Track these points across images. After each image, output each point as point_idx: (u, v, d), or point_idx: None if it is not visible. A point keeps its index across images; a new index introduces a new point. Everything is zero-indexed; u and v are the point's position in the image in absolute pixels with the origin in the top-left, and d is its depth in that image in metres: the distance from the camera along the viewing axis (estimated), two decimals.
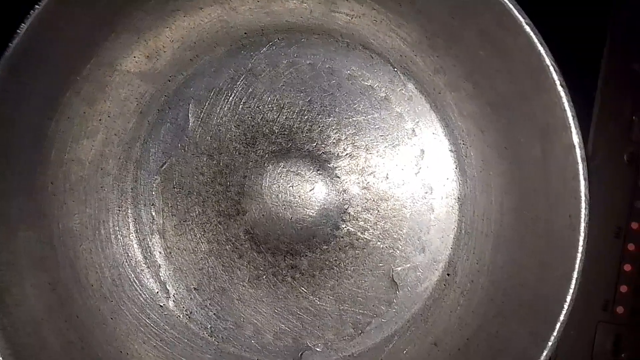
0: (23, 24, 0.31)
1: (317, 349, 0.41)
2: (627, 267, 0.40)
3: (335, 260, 0.41)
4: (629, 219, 0.40)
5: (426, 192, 0.40)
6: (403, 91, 0.40)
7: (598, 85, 0.39)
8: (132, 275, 0.41)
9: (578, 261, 0.29)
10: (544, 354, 0.30)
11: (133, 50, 0.38)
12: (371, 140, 0.41)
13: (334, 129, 0.41)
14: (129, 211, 0.42)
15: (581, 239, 0.29)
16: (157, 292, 0.42)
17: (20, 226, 0.35)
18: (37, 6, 0.31)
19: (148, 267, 0.42)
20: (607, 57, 0.39)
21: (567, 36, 0.37)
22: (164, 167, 0.41)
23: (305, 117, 0.41)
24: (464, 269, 0.39)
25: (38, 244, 0.36)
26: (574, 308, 0.30)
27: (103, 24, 0.35)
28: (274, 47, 0.40)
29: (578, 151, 0.29)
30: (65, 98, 0.36)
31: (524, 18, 0.30)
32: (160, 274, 0.42)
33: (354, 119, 0.40)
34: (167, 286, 0.42)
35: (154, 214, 0.42)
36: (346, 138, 0.41)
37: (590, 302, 0.36)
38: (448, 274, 0.40)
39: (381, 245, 0.41)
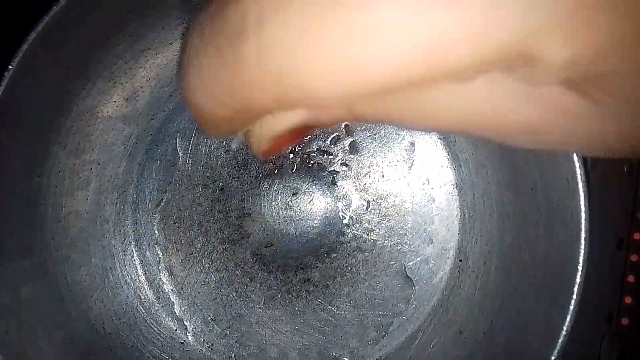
0: None
1: (345, 359, 0.42)
2: (631, 278, 0.41)
3: (346, 266, 0.42)
4: (631, 229, 0.40)
5: (423, 184, 0.42)
6: None
7: None
8: (148, 317, 0.43)
9: (582, 221, 0.31)
10: (567, 320, 0.31)
11: (111, 95, 0.40)
12: (360, 142, 0.42)
13: (321, 138, 0.42)
14: (134, 254, 0.43)
15: (582, 198, 0.30)
16: (176, 330, 0.43)
17: (24, 287, 0.37)
18: (9, 67, 0.32)
19: (162, 306, 0.43)
20: None
21: None
22: (161, 204, 0.43)
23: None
24: (474, 252, 0.40)
25: (46, 302, 0.38)
26: (577, 320, 0.31)
27: (76, 75, 0.37)
28: None
29: None
30: (52, 153, 0.38)
31: None
32: (176, 311, 0.43)
33: (340, 124, 0.42)
34: (184, 322, 0.43)
35: (159, 252, 0.43)
36: (335, 145, 0.42)
37: (595, 314, 0.37)
38: (460, 260, 0.41)
39: (389, 244, 0.42)
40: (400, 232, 0.42)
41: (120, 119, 0.41)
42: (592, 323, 0.41)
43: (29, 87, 0.34)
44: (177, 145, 0.43)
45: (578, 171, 0.31)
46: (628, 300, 0.41)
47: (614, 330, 0.43)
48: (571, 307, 0.32)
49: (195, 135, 0.43)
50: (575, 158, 0.31)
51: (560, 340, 0.32)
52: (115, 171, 0.42)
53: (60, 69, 0.36)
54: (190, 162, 0.43)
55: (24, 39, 0.33)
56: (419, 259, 0.42)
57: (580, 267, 0.32)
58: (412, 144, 0.42)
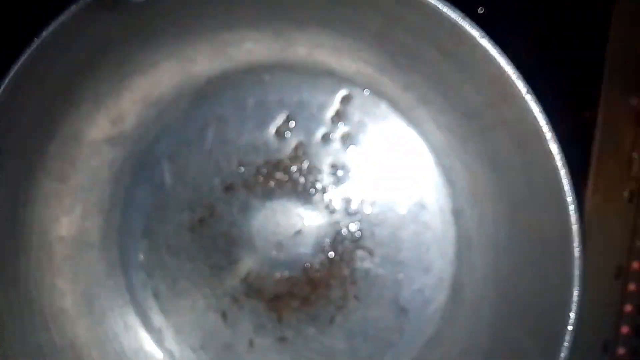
0: None
1: None
2: (628, 308, 0.41)
3: (339, 295, 0.43)
4: (630, 258, 0.41)
5: (419, 211, 0.42)
6: (377, 112, 0.42)
7: (598, 122, 0.41)
8: (135, 344, 0.44)
9: (575, 269, 0.31)
10: None
11: (96, 118, 0.40)
12: (353, 167, 0.43)
13: (313, 162, 0.43)
14: (121, 280, 0.44)
15: (576, 248, 0.31)
16: (163, 358, 0.44)
17: (9, 317, 0.38)
18: None
19: (148, 332, 0.44)
20: (605, 91, 0.41)
21: (565, 73, 0.39)
22: (147, 229, 0.44)
23: (283, 154, 0.43)
24: (469, 284, 0.41)
25: (33, 332, 0.39)
26: (573, 348, 0.32)
27: (61, 101, 0.38)
28: (239, 90, 0.43)
29: (557, 159, 0.31)
30: (36, 181, 0.39)
31: (478, 32, 0.32)
32: (162, 338, 0.44)
33: (332, 148, 0.43)
34: (172, 350, 0.44)
35: (145, 278, 0.44)
36: (327, 169, 0.43)
37: (591, 343, 0.38)
38: (455, 292, 0.42)
39: (383, 273, 0.43)
40: (395, 260, 0.43)
41: (105, 142, 0.41)
42: (589, 352, 0.42)
43: (14, 116, 0.35)
44: (164, 169, 0.43)
45: (572, 218, 0.32)
46: (625, 329, 0.42)
47: None
48: (562, 355, 0.33)
49: (182, 158, 0.43)
50: (571, 207, 0.31)
51: None
52: (101, 196, 0.43)
53: (45, 97, 0.37)
54: (177, 186, 0.44)
55: (7, 68, 0.34)
56: (413, 288, 0.43)
57: (570, 320, 0.32)
58: (407, 170, 0.42)
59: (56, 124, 0.38)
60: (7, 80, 0.34)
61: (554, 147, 0.31)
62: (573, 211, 0.31)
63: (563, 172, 0.31)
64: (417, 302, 0.43)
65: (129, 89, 0.40)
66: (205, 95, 0.43)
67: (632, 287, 0.41)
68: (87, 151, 0.41)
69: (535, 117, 0.31)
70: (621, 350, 0.42)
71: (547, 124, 0.31)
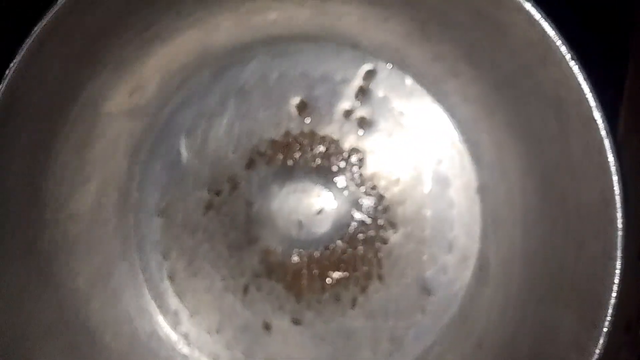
0: (4, 77, 0.32)
1: None
2: None
3: (359, 274, 0.42)
4: None
5: (443, 188, 0.42)
6: (402, 87, 0.41)
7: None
8: (149, 327, 0.42)
9: (619, 237, 0.31)
10: (600, 341, 0.32)
11: (116, 87, 0.39)
12: (376, 143, 0.42)
13: (334, 139, 0.42)
14: (135, 259, 0.42)
15: (618, 214, 0.30)
16: (178, 340, 0.42)
17: (22, 293, 0.36)
18: (15, 59, 0.32)
19: (163, 314, 0.43)
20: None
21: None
22: (164, 206, 0.43)
23: (305, 130, 0.42)
24: (495, 261, 0.40)
25: (46, 309, 0.37)
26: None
27: (82, 65, 0.36)
28: (262, 61, 0.42)
29: (600, 123, 0.30)
30: (53, 149, 0.37)
31: None
32: (178, 321, 0.43)
33: (355, 124, 0.42)
34: (187, 332, 0.43)
35: (161, 258, 0.43)
36: (349, 147, 0.42)
37: (613, 324, 0.37)
38: (480, 269, 0.41)
39: (405, 251, 0.42)
40: (418, 238, 0.42)
41: (124, 113, 0.40)
42: (611, 333, 0.42)
43: (35, 78, 0.33)
44: (183, 143, 0.42)
45: (615, 185, 0.31)
46: None
47: (632, 340, 0.43)
48: (604, 329, 0.32)
49: (201, 132, 0.42)
50: (613, 169, 0.31)
51: None
52: (117, 169, 0.41)
53: (66, 60, 0.35)
54: (196, 161, 0.42)
55: (30, 29, 0.32)
56: (437, 267, 0.42)
57: (615, 287, 0.32)
58: (432, 146, 0.42)
59: (77, 89, 0.37)
60: (30, 41, 0.32)
61: (598, 115, 0.31)
62: (616, 181, 0.31)
63: (607, 142, 0.31)
64: (441, 281, 0.42)
65: (151, 56, 0.39)
66: (227, 66, 0.42)
67: None
68: (105, 121, 0.39)
69: (579, 84, 0.31)
70: None
71: (591, 91, 0.31)
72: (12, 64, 0.32)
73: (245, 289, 0.43)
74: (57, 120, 0.36)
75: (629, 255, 0.42)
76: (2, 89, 0.32)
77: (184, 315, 0.43)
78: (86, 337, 0.39)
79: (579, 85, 0.31)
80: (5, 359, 0.33)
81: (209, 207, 0.43)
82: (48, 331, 0.37)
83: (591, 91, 0.31)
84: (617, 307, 0.39)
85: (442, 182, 0.42)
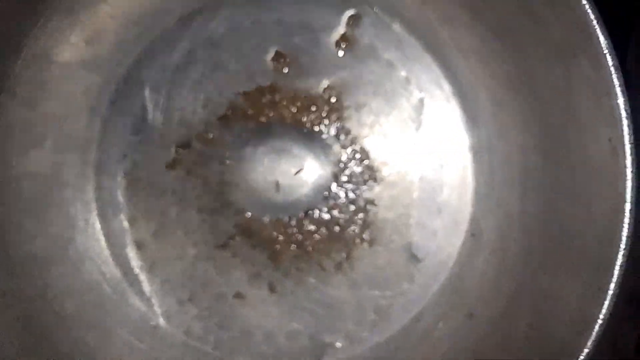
0: None
1: (338, 344, 0.38)
2: None
3: (342, 241, 0.38)
4: None
5: (433, 147, 0.37)
6: (389, 34, 0.37)
7: None
8: (115, 297, 0.38)
9: (629, 189, 0.27)
10: (605, 305, 0.28)
11: (69, 35, 0.34)
12: (360, 97, 0.37)
13: (316, 92, 0.38)
14: (98, 224, 0.38)
15: (628, 162, 0.27)
16: (146, 311, 0.38)
17: None
18: None
19: (130, 284, 0.38)
20: None
21: None
22: (128, 168, 0.38)
23: (282, 83, 0.37)
24: (490, 225, 0.36)
25: None
26: None
27: (27, 9, 0.32)
28: (233, 8, 0.37)
29: (609, 61, 0.26)
30: (0, 104, 0.33)
31: None
32: (145, 290, 0.38)
33: (338, 75, 0.37)
34: (156, 302, 0.38)
35: (125, 223, 0.38)
36: (330, 101, 0.37)
37: (621, 299, 0.34)
38: (472, 234, 0.37)
39: (391, 216, 0.38)
40: (405, 202, 0.38)
41: (79, 64, 0.35)
42: (619, 309, 0.39)
43: None
44: (147, 98, 0.37)
45: (625, 130, 0.27)
46: None
47: (635, 313, 0.40)
48: (610, 292, 0.28)
49: (167, 86, 0.37)
50: (623, 113, 0.27)
51: (595, 330, 0.28)
52: (75, 127, 0.37)
53: (9, 3, 0.30)
54: (162, 118, 0.38)
55: None
56: (425, 232, 0.38)
57: (623, 245, 0.28)
58: (422, 101, 0.37)
59: (23, 38, 0.32)
60: None
61: (605, 48, 0.26)
62: (627, 122, 0.26)
63: (617, 80, 0.26)
64: (430, 247, 0.38)
65: (108, 1, 0.34)
66: (195, 12, 0.37)
67: None
68: (59, 74, 0.35)
69: (591, 24, 0.26)
70: None
71: (604, 32, 0.26)
72: None
73: (219, 256, 0.38)
74: (1, 74, 0.32)
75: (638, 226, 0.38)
76: None
77: (153, 284, 0.39)
78: (45, 306, 0.36)
79: (591, 26, 0.26)
80: None
81: (177, 167, 0.38)
82: (2, 299, 0.34)
83: (605, 32, 0.26)
84: (621, 278, 0.35)
85: (431, 140, 0.37)
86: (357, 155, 0.38)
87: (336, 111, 0.38)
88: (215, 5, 0.37)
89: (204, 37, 0.37)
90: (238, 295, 0.38)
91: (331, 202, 0.38)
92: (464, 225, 0.37)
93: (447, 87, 0.37)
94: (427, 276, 0.38)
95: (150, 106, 0.38)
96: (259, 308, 0.39)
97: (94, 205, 0.38)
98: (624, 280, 0.39)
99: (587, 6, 0.27)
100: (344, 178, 0.38)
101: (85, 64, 0.36)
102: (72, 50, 0.35)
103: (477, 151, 0.37)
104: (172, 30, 0.37)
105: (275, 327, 0.39)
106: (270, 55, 0.37)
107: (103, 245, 0.38)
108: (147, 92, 0.37)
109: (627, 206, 0.27)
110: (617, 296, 0.39)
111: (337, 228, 0.38)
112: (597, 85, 0.27)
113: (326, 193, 0.38)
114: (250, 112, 0.38)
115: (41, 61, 0.34)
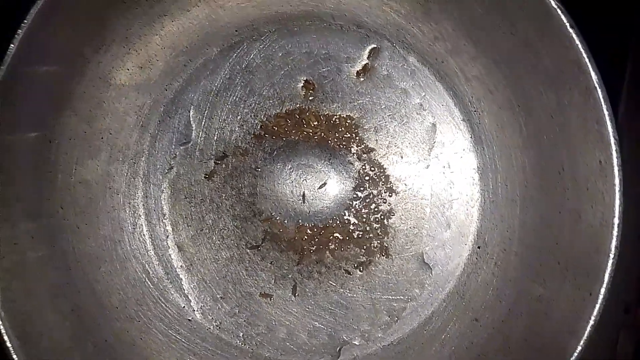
0: (11, 45, 0.32)
1: (355, 342, 0.41)
2: None
3: (360, 248, 0.41)
4: None
5: (444, 167, 0.41)
6: (405, 66, 0.40)
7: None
8: (156, 293, 0.42)
9: (617, 206, 0.29)
10: (596, 308, 0.30)
11: (125, 62, 0.38)
12: (379, 121, 0.41)
13: (339, 115, 0.41)
14: (144, 228, 0.42)
15: (617, 181, 0.29)
16: (184, 307, 0.42)
17: (31, 252, 0.36)
18: (22, 25, 0.31)
19: (171, 282, 0.42)
20: None
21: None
22: (171, 178, 0.42)
23: (309, 107, 0.41)
24: (493, 238, 0.39)
25: (53, 270, 0.37)
26: None
27: (90, 37, 0.36)
28: (267, 40, 0.41)
29: (599, 92, 0.29)
30: (63, 118, 0.37)
31: None
32: (184, 287, 0.42)
33: (359, 102, 0.41)
34: (192, 299, 0.42)
35: (168, 227, 0.42)
36: (353, 122, 0.41)
37: (612, 306, 0.35)
38: (478, 247, 0.40)
39: (405, 227, 0.41)
40: (418, 215, 0.41)
41: (133, 87, 0.40)
42: (610, 315, 0.40)
43: (42, 48, 0.33)
44: (190, 118, 0.42)
45: (614, 152, 0.29)
46: None
47: (631, 323, 0.42)
48: (600, 296, 0.31)
49: (209, 108, 0.41)
50: (612, 140, 0.29)
51: (587, 330, 0.31)
52: (127, 141, 0.41)
53: (74, 31, 0.35)
54: (203, 135, 0.42)
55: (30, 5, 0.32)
56: (435, 243, 0.41)
57: (612, 254, 0.30)
58: (434, 125, 0.40)
59: (84, 63, 0.36)
60: (37, 7, 0.32)
61: (595, 80, 0.29)
62: (615, 145, 0.29)
63: (606, 110, 0.29)
64: (439, 257, 0.41)
65: (159, 34, 0.38)
66: (234, 44, 0.41)
67: None
68: (114, 95, 0.39)
69: (578, 50, 0.29)
70: None
71: (590, 59, 0.29)
72: (19, 31, 0.31)
73: (249, 259, 0.42)
74: (65, 93, 0.36)
75: (628, 236, 0.40)
76: (8, 60, 0.32)
77: (191, 282, 0.42)
78: (93, 300, 0.39)
79: (578, 50, 0.29)
80: (11, 315, 0.33)
81: (215, 179, 0.42)
82: (56, 291, 0.37)
83: (591, 59, 0.29)
84: (615, 289, 0.38)
85: (442, 160, 0.40)
86: (375, 173, 0.41)
87: (356, 133, 0.41)
88: (251, 38, 0.41)
89: (242, 66, 0.41)
90: (265, 295, 0.42)
91: (351, 213, 0.41)
92: (470, 238, 0.40)
93: (456, 113, 0.40)
94: (436, 283, 0.41)
95: (193, 125, 0.42)
96: (283, 307, 0.42)
97: (141, 211, 0.42)
98: (620, 291, 0.41)
99: (579, 45, 0.29)
100: (363, 192, 0.41)
101: (138, 87, 0.40)
102: (127, 75, 0.39)
103: (483, 171, 0.40)
104: (214, 59, 0.41)
105: (298, 325, 0.42)
106: (300, 83, 0.41)
107: (148, 246, 0.42)
108: (191, 113, 0.42)
109: (616, 220, 0.30)
110: (615, 307, 0.42)
111: (355, 236, 0.41)
112: (587, 114, 0.30)
113: (346, 205, 0.41)
114: (280, 132, 0.41)
115: (100, 83, 0.38)
